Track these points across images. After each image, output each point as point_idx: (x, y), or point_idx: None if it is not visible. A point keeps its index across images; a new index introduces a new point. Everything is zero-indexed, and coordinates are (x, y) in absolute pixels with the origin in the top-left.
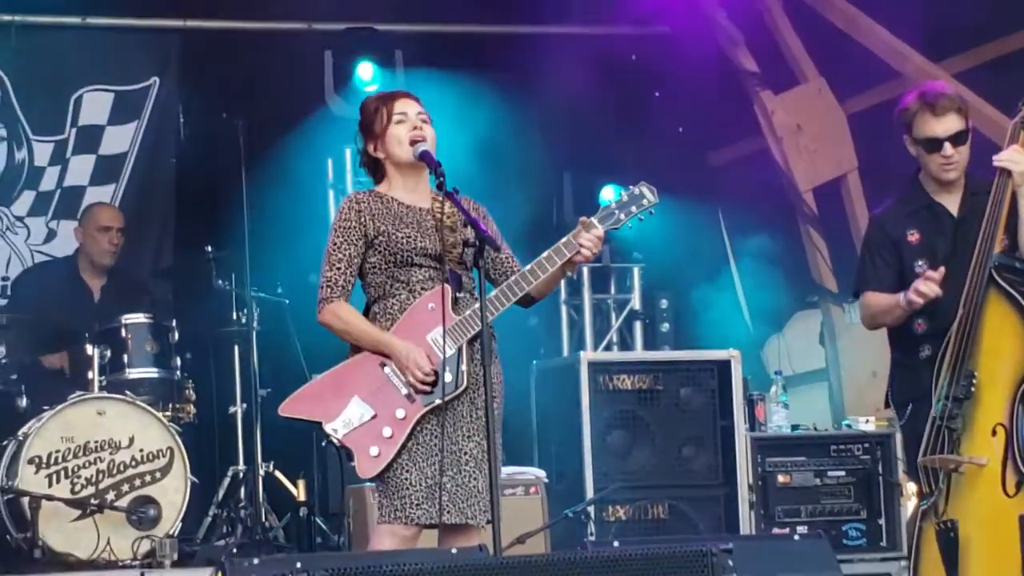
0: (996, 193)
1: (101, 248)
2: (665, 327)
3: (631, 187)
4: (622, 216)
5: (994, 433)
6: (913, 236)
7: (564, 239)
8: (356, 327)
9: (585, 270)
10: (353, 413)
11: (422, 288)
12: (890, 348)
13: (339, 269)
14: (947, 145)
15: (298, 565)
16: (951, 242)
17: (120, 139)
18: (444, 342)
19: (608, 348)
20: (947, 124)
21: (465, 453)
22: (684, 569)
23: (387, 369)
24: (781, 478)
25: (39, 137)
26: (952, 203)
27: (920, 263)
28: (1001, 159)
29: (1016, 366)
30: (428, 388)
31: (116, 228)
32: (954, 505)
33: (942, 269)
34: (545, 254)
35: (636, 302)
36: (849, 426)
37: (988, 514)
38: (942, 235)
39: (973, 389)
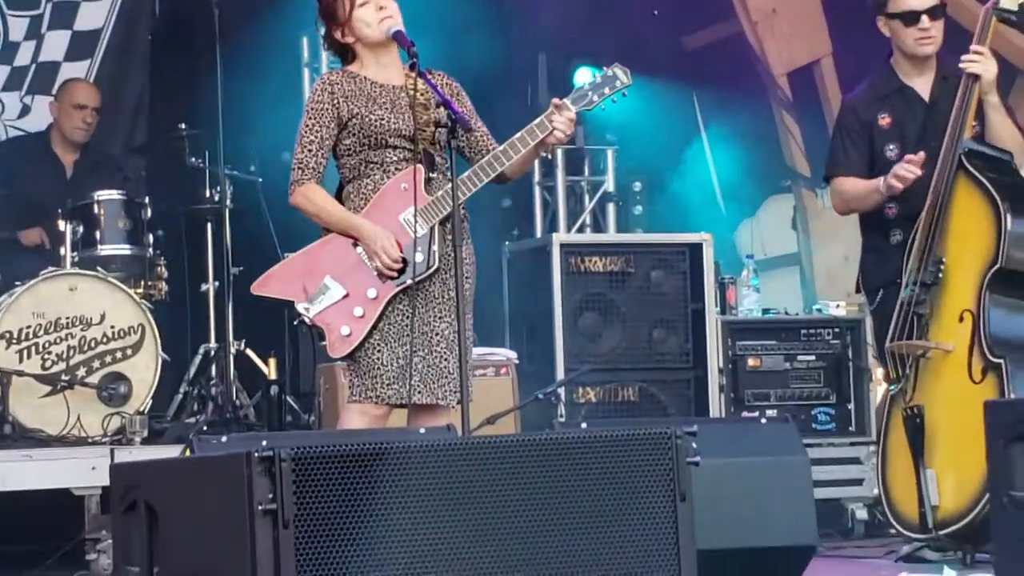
0: (963, 93)
1: (74, 125)
2: (638, 210)
3: (604, 68)
4: (595, 97)
5: (961, 319)
6: (884, 120)
7: (537, 120)
8: (326, 210)
9: (559, 152)
10: (325, 292)
11: (396, 169)
12: (861, 233)
13: (310, 151)
14: (924, 18)
15: (263, 443)
16: (922, 126)
17: (95, 14)
18: (416, 222)
19: (581, 230)
20: None
21: (436, 334)
22: (648, 451)
23: (359, 249)
24: (751, 362)
25: (14, 12)
26: (924, 87)
27: (891, 147)
28: (970, 63)
29: (984, 253)
30: (395, 274)
31: (91, 107)
32: (921, 391)
33: (922, 154)
34: (518, 135)
35: (610, 184)
36: (820, 311)
37: (954, 400)
38: (913, 119)
39: (941, 275)
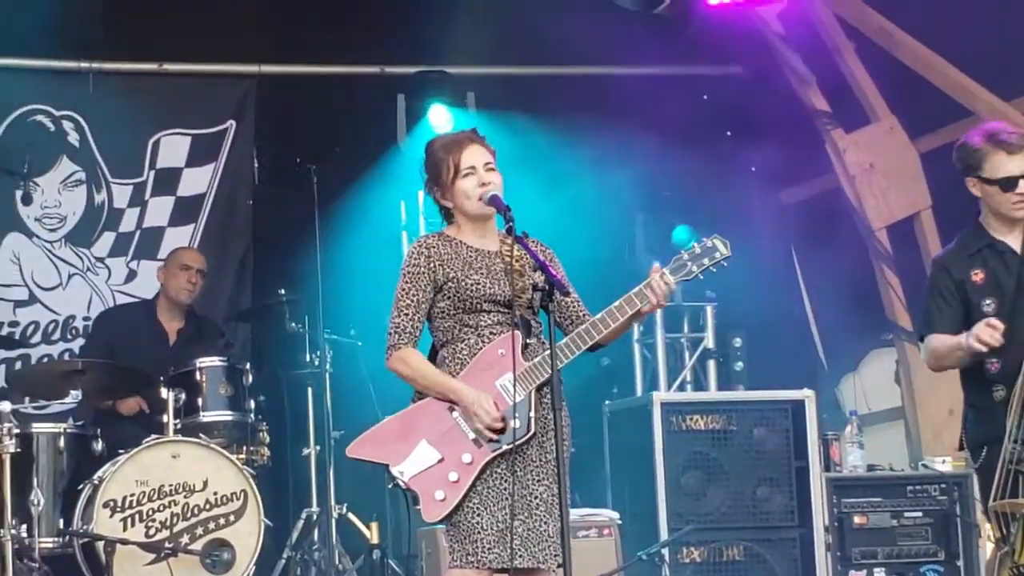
0: None
1: (180, 285)
2: (739, 366)
3: (704, 239)
4: (694, 268)
5: None
6: (977, 275)
7: (635, 289)
8: (423, 374)
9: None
10: (420, 457)
11: (491, 333)
12: (963, 389)
13: (407, 315)
14: (1022, 182)
15: None
16: (1017, 279)
17: (198, 181)
18: (515, 388)
19: (682, 388)
20: (1021, 162)
21: (536, 497)
22: None
23: (455, 413)
24: (857, 519)
25: (118, 180)
26: (1015, 241)
27: (987, 302)
28: None
29: None
30: (495, 435)
31: (196, 268)
32: None
33: (1003, 324)
34: (616, 303)
35: (710, 341)
36: (926, 466)
37: None
38: (1008, 272)
39: None
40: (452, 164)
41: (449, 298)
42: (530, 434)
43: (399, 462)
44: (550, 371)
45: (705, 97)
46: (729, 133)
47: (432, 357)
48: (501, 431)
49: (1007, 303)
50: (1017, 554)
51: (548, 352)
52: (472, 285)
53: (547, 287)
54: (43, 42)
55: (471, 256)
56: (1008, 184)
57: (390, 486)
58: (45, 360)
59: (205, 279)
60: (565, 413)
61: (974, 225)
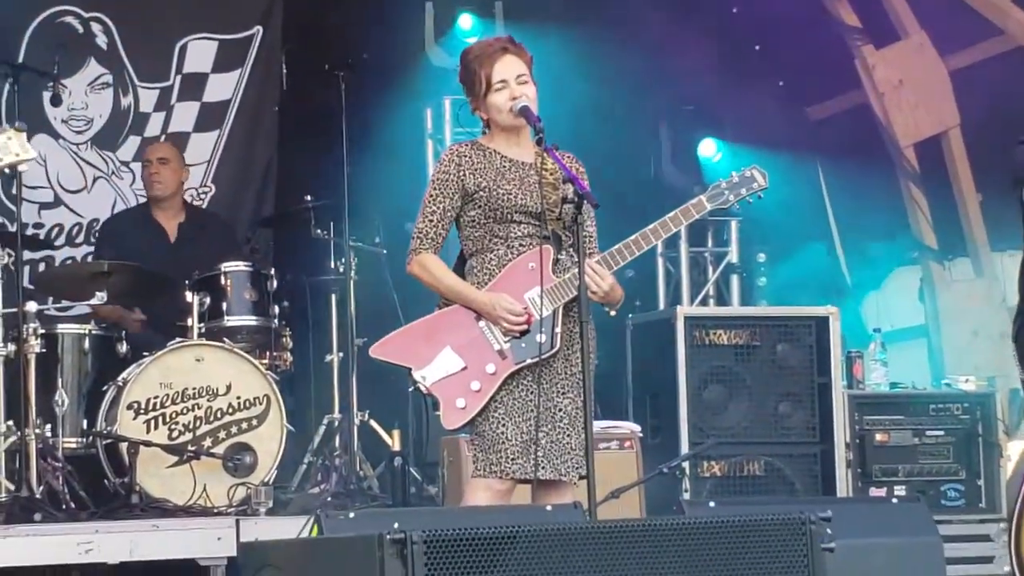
0: None
1: (146, 179)
2: (762, 281)
3: (744, 169)
4: (731, 197)
5: None
6: None
7: (694, 200)
8: (442, 281)
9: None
10: (443, 363)
11: (520, 244)
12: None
13: (431, 221)
14: None
15: (395, 525)
16: None
17: (223, 87)
18: (541, 302)
19: (704, 302)
20: None
21: (560, 410)
22: (782, 536)
23: (482, 323)
24: (879, 436)
25: (144, 84)
26: None
27: None
28: None
29: None
30: (523, 327)
31: (156, 159)
32: None
33: None
34: (672, 214)
35: (734, 255)
36: (949, 385)
37: None
38: None
39: None
40: (484, 78)
41: (479, 207)
42: (555, 350)
43: (422, 366)
44: (578, 288)
45: (735, 10)
46: (757, 47)
47: (461, 266)
48: (526, 326)
49: None
50: None
51: (577, 270)
52: (503, 195)
53: (577, 199)
54: None
55: (504, 166)
56: None
57: (411, 390)
58: (68, 262)
59: (172, 167)
60: (592, 327)
61: None
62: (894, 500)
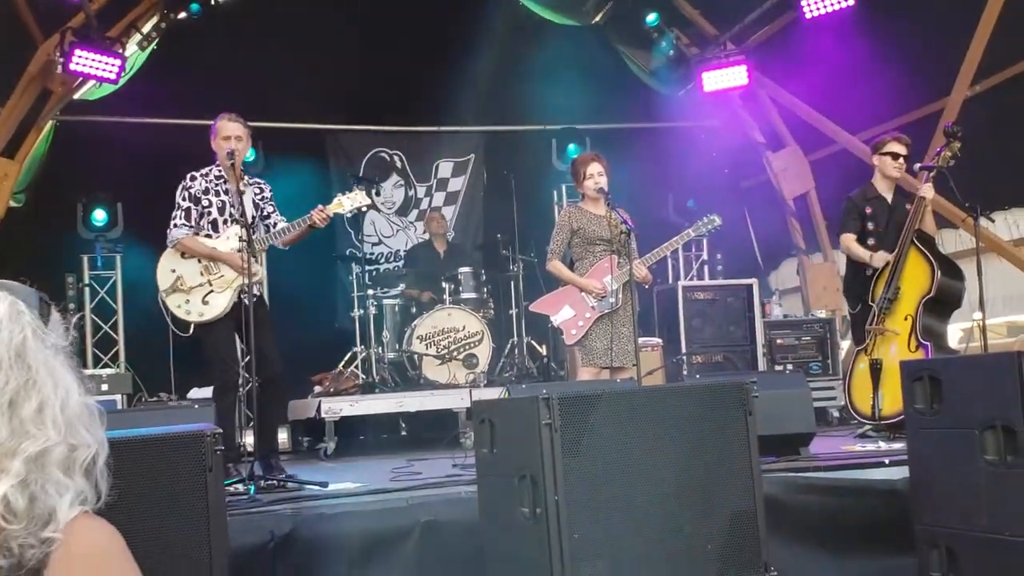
0: (917, 205)
1: (428, 228)
2: (719, 268)
3: (708, 215)
4: (704, 230)
5: (906, 319)
6: (868, 209)
7: (680, 235)
8: (563, 273)
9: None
10: (565, 313)
11: (600, 255)
12: (846, 268)
13: (557, 243)
14: (901, 158)
15: (544, 392)
16: (887, 215)
17: (456, 183)
18: (612, 283)
19: (690, 278)
20: (901, 147)
21: (622, 336)
22: (732, 392)
23: (583, 294)
24: (779, 341)
25: (419, 183)
26: (888, 195)
27: (870, 224)
28: (926, 191)
29: (922, 288)
30: (603, 294)
31: (433, 220)
32: (878, 351)
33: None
34: (675, 238)
35: (705, 254)
36: (812, 315)
37: (897, 358)
38: (883, 211)
39: (899, 294)
40: (582, 172)
41: (580, 238)
42: (618, 306)
43: (555, 314)
44: (628, 275)
45: (703, 137)
46: (715, 154)
47: (570, 267)
48: (603, 299)
49: (882, 227)
50: (871, 351)
51: (628, 268)
52: (591, 232)
53: (628, 232)
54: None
55: (591, 217)
56: (894, 157)
57: (551, 326)
58: (383, 270)
59: (440, 223)
60: (636, 293)
61: (867, 184)
62: (787, 371)
